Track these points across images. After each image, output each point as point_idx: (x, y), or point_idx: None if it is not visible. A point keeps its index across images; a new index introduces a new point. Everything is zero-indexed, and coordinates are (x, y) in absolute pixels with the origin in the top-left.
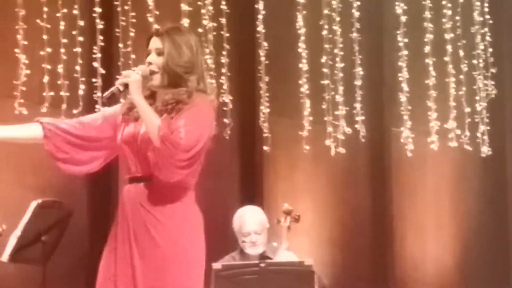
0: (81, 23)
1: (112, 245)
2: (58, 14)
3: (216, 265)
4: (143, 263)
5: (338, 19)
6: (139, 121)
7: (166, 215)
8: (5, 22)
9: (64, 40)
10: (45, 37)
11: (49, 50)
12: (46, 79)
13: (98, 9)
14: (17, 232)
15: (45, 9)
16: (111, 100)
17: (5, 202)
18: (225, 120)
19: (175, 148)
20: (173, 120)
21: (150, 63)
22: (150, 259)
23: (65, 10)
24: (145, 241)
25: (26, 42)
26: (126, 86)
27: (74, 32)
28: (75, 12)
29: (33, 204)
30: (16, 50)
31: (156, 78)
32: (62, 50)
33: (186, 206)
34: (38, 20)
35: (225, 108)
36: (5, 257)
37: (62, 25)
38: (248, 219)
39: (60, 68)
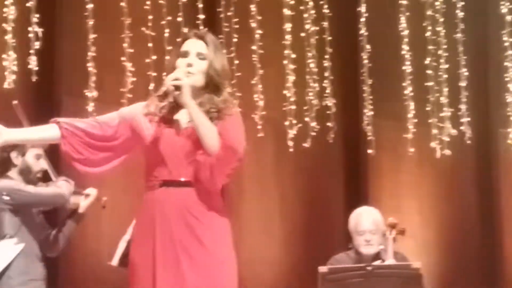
0: (185, 30)
1: (147, 246)
2: (162, 22)
3: (323, 269)
4: (191, 268)
5: (441, 20)
6: (174, 123)
7: (211, 220)
8: (112, 31)
9: (169, 47)
10: (150, 44)
11: (154, 57)
12: (151, 86)
13: (201, 16)
14: (127, 236)
15: (150, 17)
16: (162, 100)
17: (115, 207)
18: (329, 124)
19: (234, 156)
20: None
21: (190, 65)
22: (199, 264)
23: (169, 18)
24: (192, 245)
25: (132, 50)
26: (177, 88)
27: (178, 39)
28: (179, 19)
29: None
30: (123, 58)
31: (196, 80)
32: (167, 57)
33: (223, 210)
34: (143, 28)
35: (328, 112)
36: (115, 261)
37: (166, 33)
38: (364, 218)
39: (165, 76)
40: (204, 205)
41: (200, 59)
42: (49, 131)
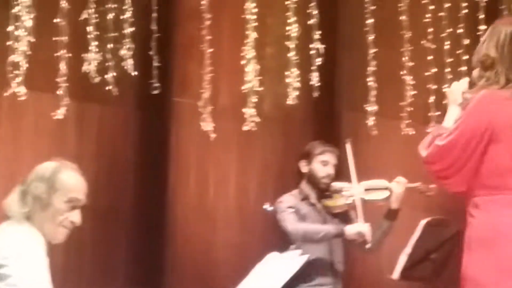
0: (466, 41)
1: None
2: (443, 34)
3: None
4: None
5: None
6: None
7: None
8: (392, 45)
9: (449, 60)
10: (430, 57)
11: (434, 70)
12: (431, 99)
13: (483, 27)
14: (407, 250)
15: (430, 30)
16: None
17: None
18: None
19: None
20: None
21: None
22: None
23: (450, 30)
24: None
25: (412, 64)
26: None
27: (458, 52)
28: (460, 31)
29: (422, 223)
30: (403, 72)
31: None
32: (447, 70)
33: None
34: (423, 41)
35: None
36: (396, 275)
37: (447, 45)
38: None
39: (446, 88)
40: None
41: None
42: None
